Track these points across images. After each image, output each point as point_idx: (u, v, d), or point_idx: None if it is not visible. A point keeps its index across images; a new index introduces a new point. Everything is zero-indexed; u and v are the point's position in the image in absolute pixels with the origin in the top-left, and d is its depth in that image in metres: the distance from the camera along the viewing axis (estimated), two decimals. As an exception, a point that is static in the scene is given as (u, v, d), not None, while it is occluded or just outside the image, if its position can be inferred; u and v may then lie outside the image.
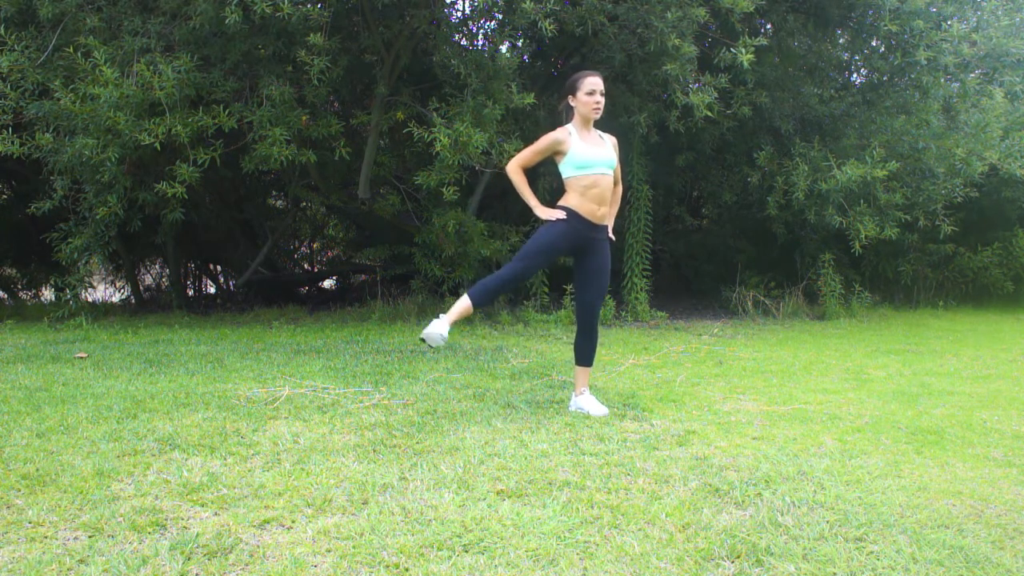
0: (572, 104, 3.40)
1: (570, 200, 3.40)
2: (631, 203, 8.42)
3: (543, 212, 3.40)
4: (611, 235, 3.54)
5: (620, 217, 9.10)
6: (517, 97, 6.44)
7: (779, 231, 9.05)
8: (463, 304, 3.33)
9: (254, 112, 6.42)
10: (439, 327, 3.24)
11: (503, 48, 7.26)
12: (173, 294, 9.47)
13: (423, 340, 3.25)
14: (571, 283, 7.52)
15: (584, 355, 3.57)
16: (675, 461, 2.73)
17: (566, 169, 3.38)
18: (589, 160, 3.34)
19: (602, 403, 3.58)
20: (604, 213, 3.44)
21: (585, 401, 3.53)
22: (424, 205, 7.66)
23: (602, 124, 3.56)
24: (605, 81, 3.46)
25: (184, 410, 3.42)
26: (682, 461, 2.74)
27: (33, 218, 7.03)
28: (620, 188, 3.64)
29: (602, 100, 3.35)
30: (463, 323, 7.17)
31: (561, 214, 3.37)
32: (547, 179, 8.28)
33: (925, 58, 7.28)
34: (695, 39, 6.67)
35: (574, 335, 3.63)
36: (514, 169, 3.43)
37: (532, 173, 8.41)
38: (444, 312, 3.34)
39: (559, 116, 3.57)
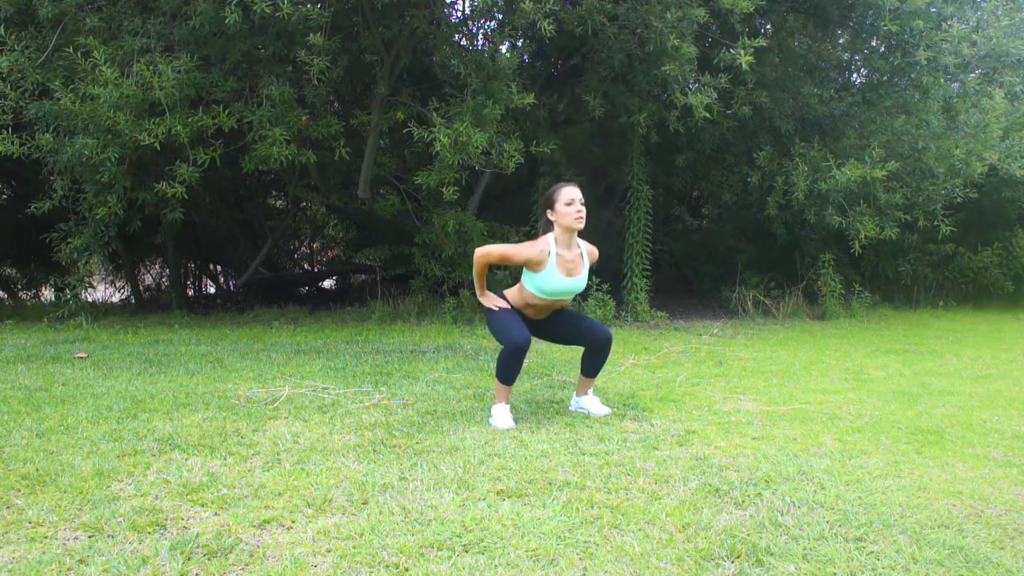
0: (552, 218, 3.24)
1: (514, 299, 3.36)
2: (631, 203, 8.43)
3: (485, 300, 3.36)
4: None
5: (620, 217, 9.13)
6: (517, 97, 6.44)
7: (779, 231, 9.05)
8: (498, 385, 3.33)
9: (254, 112, 6.42)
10: (498, 414, 3.26)
11: (503, 48, 7.27)
12: (173, 294, 9.48)
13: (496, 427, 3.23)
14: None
15: (591, 370, 3.52)
16: (675, 461, 2.73)
17: (527, 282, 3.28)
18: (555, 289, 3.24)
19: (603, 403, 3.58)
20: (547, 316, 3.42)
21: (587, 401, 3.53)
22: (424, 205, 7.67)
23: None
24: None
25: (184, 410, 3.42)
26: (682, 461, 2.74)
27: (33, 218, 7.03)
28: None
29: (583, 209, 3.19)
30: (463, 323, 7.18)
31: (501, 303, 3.33)
32: (546, 179, 8.28)
33: (925, 58, 7.28)
34: (695, 39, 6.67)
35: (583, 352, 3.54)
36: (480, 260, 3.27)
37: (531, 173, 8.44)
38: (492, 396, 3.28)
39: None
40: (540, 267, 3.20)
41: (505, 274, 7.50)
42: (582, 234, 3.34)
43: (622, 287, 8.33)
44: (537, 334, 3.48)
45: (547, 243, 3.22)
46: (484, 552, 1.95)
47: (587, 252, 3.35)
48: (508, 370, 3.26)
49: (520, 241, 7.90)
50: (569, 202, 3.18)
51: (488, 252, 3.26)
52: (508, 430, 3.15)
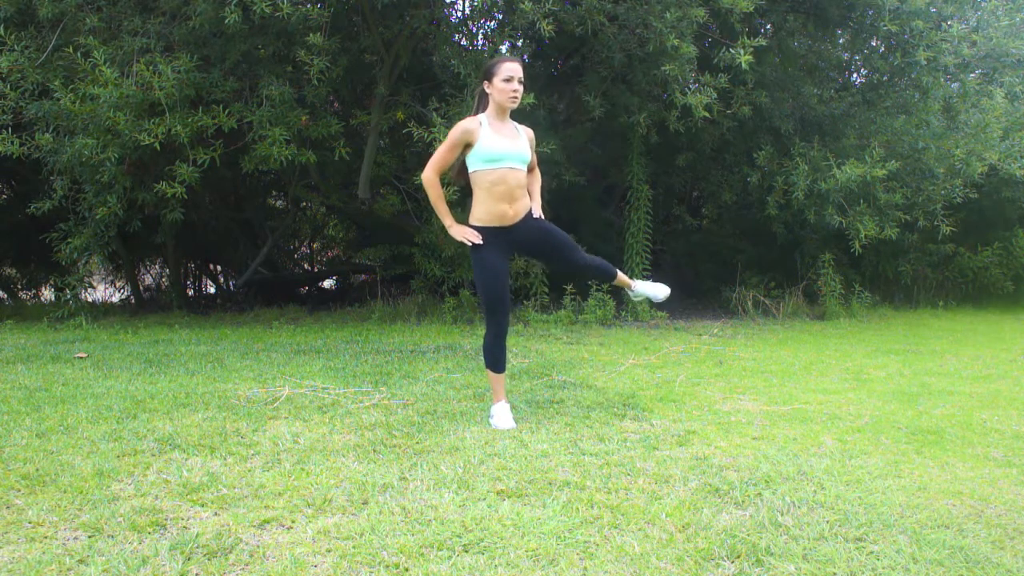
0: (488, 91, 3.14)
1: (477, 209, 3.22)
2: (631, 203, 8.43)
3: (455, 232, 3.25)
4: (537, 213, 3.34)
5: (620, 217, 9.13)
6: (517, 97, 6.43)
7: (779, 231, 9.05)
8: (490, 377, 3.33)
9: (254, 112, 6.42)
10: (499, 415, 3.25)
11: (503, 48, 7.27)
12: (173, 294, 9.48)
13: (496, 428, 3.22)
14: (570, 283, 7.56)
15: (607, 273, 3.49)
16: (675, 461, 2.73)
17: (472, 162, 3.15)
18: (497, 153, 3.11)
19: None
20: (515, 212, 3.22)
21: (643, 286, 3.56)
22: (424, 205, 7.66)
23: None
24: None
25: (184, 410, 3.42)
26: (682, 461, 2.74)
27: (33, 218, 7.03)
28: (537, 175, 3.46)
29: (520, 88, 3.11)
30: (463, 323, 7.18)
31: (474, 236, 3.20)
32: (546, 179, 8.27)
33: (925, 58, 7.27)
34: (695, 39, 6.67)
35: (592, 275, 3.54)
36: (430, 179, 3.19)
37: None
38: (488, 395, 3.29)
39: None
40: (475, 136, 3.11)
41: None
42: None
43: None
44: (520, 250, 3.41)
45: (477, 117, 3.16)
46: (484, 552, 1.95)
47: (523, 129, 3.28)
48: (495, 356, 3.28)
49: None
50: (507, 79, 3.10)
51: (431, 163, 3.18)
52: (508, 430, 3.16)
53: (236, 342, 5.84)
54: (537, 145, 7.20)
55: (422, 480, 2.48)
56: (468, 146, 3.16)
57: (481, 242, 3.21)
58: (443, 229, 6.99)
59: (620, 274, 3.55)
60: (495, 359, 3.31)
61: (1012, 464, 2.83)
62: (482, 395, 3.86)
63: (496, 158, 3.13)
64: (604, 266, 3.50)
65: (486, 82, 3.17)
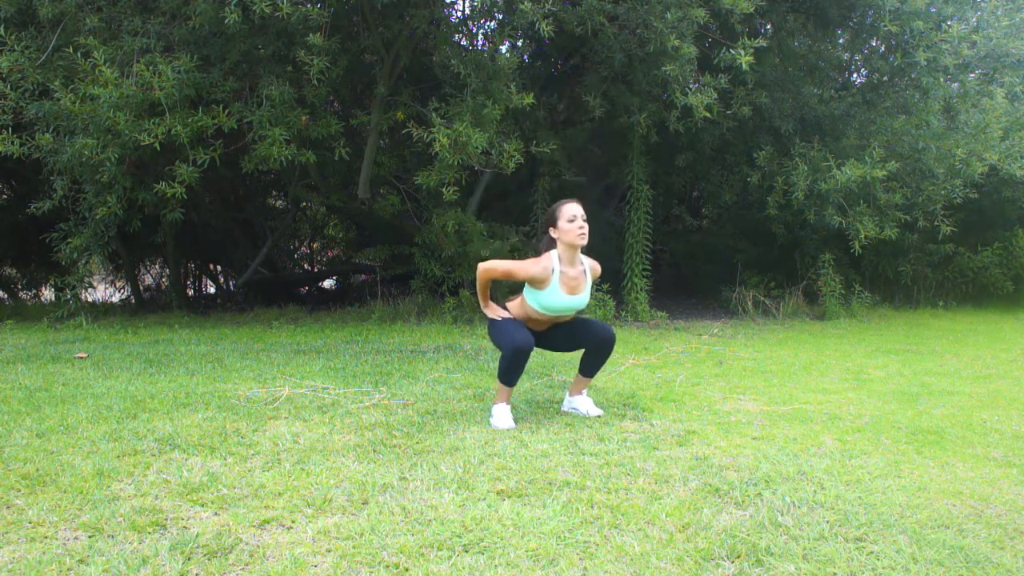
0: (554, 236, 3.23)
1: (516, 311, 3.36)
2: (631, 203, 8.43)
3: (489, 311, 3.35)
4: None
5: (620, 217, 9.13)
6: (517, 97, 6.44)
7: (779, 231, 9.05)
8: (499, 386, 3.32)
9: (254, 112, 6.41)
10: (499, 415, 3.25)
11: (503, 48, 7.27)
12: (173, 294, 9.48)
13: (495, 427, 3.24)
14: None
15: (590, 370, 3.50)
16: (675, 461, 2.73)
17: (530, 297, 3.26)
18: (557, 307, 3.24)
19: (597, 405, 3.57)
20: (548, 328, 3.40)
21: (580, 402, 3.52)
22: (424, 205, 7.66)
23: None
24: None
25: (184, 410, 3.42)
26: (682, 461, 2.74)
27: (33, 218, 7.03)
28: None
29: (586, 225, 3.19)
30: (463, 323, 7.18)
31: (505, 313, 3.34)
32: (546, 179, 8.28)
33: (925, 59, 7.28)
34: (695, 40, 6.67)
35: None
36: (483, 277, 3.29)
37: (531, 173, 8.43)
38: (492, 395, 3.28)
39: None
40: (543, 285, 3.20)
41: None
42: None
43: (622, 287, 8.33)
44: (539, 344, 3.47)
45: (551, 261, 3.21)
46: (484, 552, 1.95)
47: (590, 268, 3.34)
48: (510, 372, 3.25)
49: (519, 240, 7.91)
50: (571, 219, 3.18)
51: (491, 268, 3.27)
52: (508, 430, 3.15)
53: (236, 342, 5.84)
54: (537, 146, 7.21)
55: (422, 480, 2.48)
56: (532, 283, 3.24)
57: (510, 316, 3.36)
58: (443, 229, 7.05)
59: (588, 381, 3.54)
60: (507, 374, 3.27)
61: (1012, 464, 2.83)
62: (482, 395, 3.86)
63: (553, 310, 3.26)
64: (601, 364, 3.49)
65: (551, 228, 3.25)
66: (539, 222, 3.44)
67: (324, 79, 6.17)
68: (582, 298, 3.28)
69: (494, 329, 3.33)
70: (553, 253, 3.24)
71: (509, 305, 3.41)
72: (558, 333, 3.45)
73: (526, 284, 3.27)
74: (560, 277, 3.21)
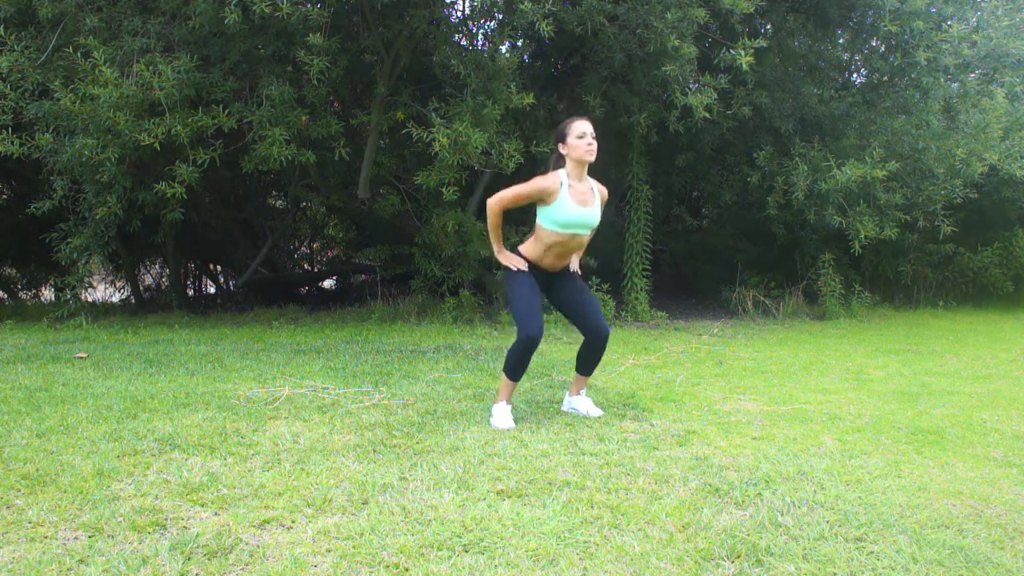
0: (563, 152, 3.27)
1: (530, 251, 3.34)
2: (631, 203, 8.43)
3: (503, 258, 3.36)
4: (574, 268, 3.51)
5: (620, 217, 9.13)
6: (516, 97, 6.44)
7: (779, 231, 9.05)
8: (503, 381, 3.33)
9: (254, 112, 6.41)
10: (499, 414, 3.25)
11: (503, 48, 7.26)
12: (173, 294, 9.47)
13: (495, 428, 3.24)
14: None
15: (587, 367, 3.50)
16: (675, 461, 2.73)
17: (543, 218, 3.27)
18: (570, 220, 3.24)
19: (597, 405, 3.57)
20: (563, 264, 3.40)
21: (580, 402, 3.52)
22: (424, 205, 7.66)
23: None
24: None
25: (184, 410, 3.42)
26: (682, 461, 2.74)
27: (33, 218, 7.03)
28: (590, 237, 3.56)
29: (594, 143, 3.23)
30: (463, 323, 7.18)
31: (520, 264, 3.33)
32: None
33: (925, 59, 7.27)
34: (695, 40, 6.67)
35: (580, 344, 3.55)
36: (494, 209, 3.28)
37: (531, 173, 8.42)
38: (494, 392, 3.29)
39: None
40: (553, 197, 3.22)
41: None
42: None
43: (622, 287, 8.33)
44: (548, 295, 3.47)
45: (559, 175, 3.26)
46: (484, 552, 1.95)
47: (598, 188, 3.38)
48: (518, 365, 3.27)
49: (520, 242, 7.90)
50: (581, 135, 3.22)
51: (501, 196, 3.28)
52: (508, 430, 3.15)
53: (236, 342, 5.84)
54: (537, 146, 7.21)
55: (422, 480, 2.48)
56: (542, 202, 3.26)
57: (526, 269, 3.34)
58: (443, 229, 7.05)
59: (587, 379, 3.55)
60: (516, 368, 3.29)
61: (1012, 464, 2.83)
62: (482, 395, 3.86)
63: (567, 224, 3.25)
64: (597, 360, 3.50)
65: (560, 144, 3.28)
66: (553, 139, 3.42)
67: (324, 79, 6.17)
68: (593, 211, 3.31)
69: (510, 295, 3.32)
70: (561, 170, 3.28)
71: (523, 248, 3.39)
72: (569, 289, 3.44)
73: (538, 210, 3.29)
74: (569, 190, 3.24)
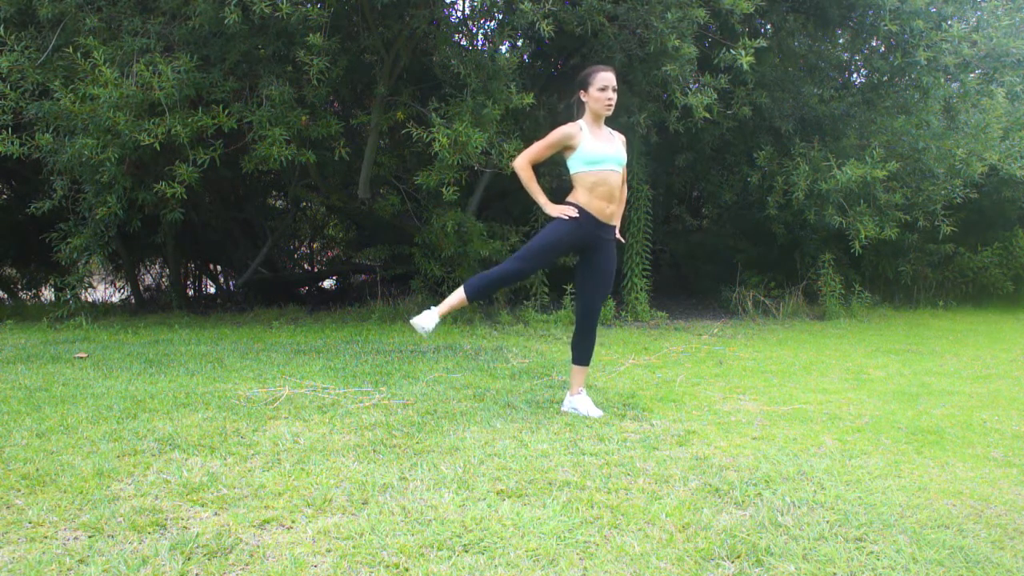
0: (584, 99, 3.33)
1: (579, 197, 3.33)
2: (631, 203, 8.42)
3: (553, 210, 3.33)
4: (620, 237, 3.51)
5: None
6: (516, 97, 6.43)
7: (779, 231, 9.05)
8: (457, 296, 3.31)
9: (254, 112, 6.41)
10: (427, 320, 3.27)
11: (503, 48, 7.26)
12: (173, 294, 9.47)
13: (411, 325, 3.29)
14: (571, 283, 7.56)
15: (582, 354, 3.53)
16: (675, 461, 2.73)
17: (575, 164, 3.31)
18: (600, 156, 3.28)
19: (597, 406, 3.57)
20: (612, 211, 3.37)
21: (580, 402, 3.52)
22: (424, 205, 7.66)
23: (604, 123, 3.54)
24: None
25: (184, 410, 3.42)
26: (682, 461, 2.74)
27: (33, 218, 7.02)
28: (626, 189, 3.58)
29: (614, 96, 3.28)
30: (463, 323, 7.17)
31: (573, 211, 3.30)
32: (547, 179, 8.28)
33: (925, 58, 7.27)
34: (695, 40, 6.67)
35: (572, 334, 3.59)
36: (523, 165, 3.36)
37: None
38: (437, 304, 3.34)
39: (569, 111, 3.46)
40: (576, 139, 3.28)
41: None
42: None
43: (622, 287, 8.33)
44: (586, 254, 3.43)
45: (577, 123, 3.33)
46: (484, 552, 1.95)
47: (616, 134, 3.44)
48: (485, 291, 3.34)
49: (520, 241, 7.90)
50: (603, 87, 3.28)
51: (526, 152, 3.37)
52: (425, 332, 3.21)
53: (236, 342, 5.84)
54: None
55: (422, 480, 2.48)
56: (568, 149, 3.31)
57: (578, 216, 3.32)
58: (443, 229, 7.05)
59: (585, 371, 3.56)
60: (481, 292, 3.33)
61: (1012, 464, 2.83)
62: (482, 395, 3.86)
63: (598, 160, 3.30)
64: (590, 347, 3.53)
65: (582, 91, 3.35)
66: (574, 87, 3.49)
67: (324, 79, 6.17)
68: (618, 148, 3.37)
69: (552, 227, 3.32)
70: (580, 120, 3.34)
71: (570, 198, 3.37)
72: (603, 256, 3.40)
73: (567, 161, 3.33)
74: (590, 133, 3.30)
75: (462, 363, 4.90)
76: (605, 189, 3.32)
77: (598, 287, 3.45)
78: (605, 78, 3.27)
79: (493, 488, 2.41)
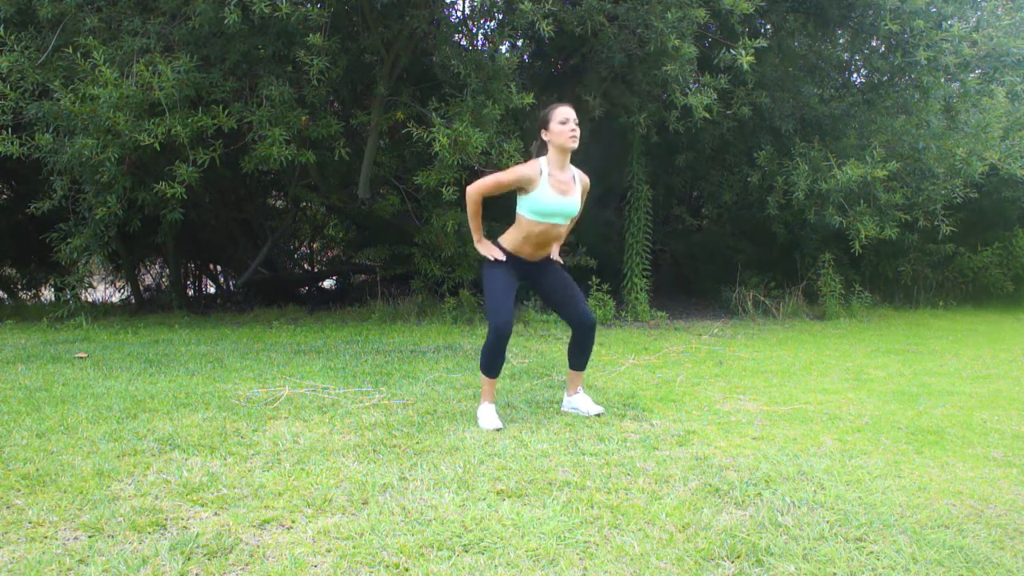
0: (546, 138, 3.23)
1: (511, 238, 3.33)
2: (631, 203, 8.43)
3: (482, 248, 3.34)
4: (557, 259, 3.49)
5: (620, 217, 9.12)
6: (516, 97, 6.44)
7: (779, 231, 9.05)
8: (483, 381, 3.32)
9: (254, 112, 6.41)
10: (485, 417, 3.23)
11: (503, 48, 7.27)
12: (173, 294, 9.47)
13: (483, 428, 3.21)
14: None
15: (579, 362, 3.50)
16: (675, 461, 2.73)
17: (522, 207, 3.25)
18: (549, 209, 3.21)
19: (597, 403, 3.57)
20: (543, 254, 3.38)
21: (580, 401, 3.52)
22: (424, 205, 7.66)
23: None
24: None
25: (184, 410, 3.42)
26: (682, 461, 2.74)
27: (33, 218, 7.03)
28: (571, 227, 3.49)
29: (577, 129, 3.19)
30: (463, 323, 7.18)
31: (498, 254, 3.31)
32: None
33: (925, 58, 7.27)
34: (695, 40, 6.67)
35: (569, 341, 3.56)
36: (473, 196, 3.25)
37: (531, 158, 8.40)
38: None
39: (528, 156, 3.45)
40: (533, 185, 3.19)
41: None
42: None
43: (622, 287, 8.33)
44: (532, 283, 3.46)
45: (539, 163, 3.24)
46: (484, 552, 1.95)
47: (579, 177, 3.35)
48: (492, 360, 3.26)
49: (501, 232, 7.90)
50: (563, 121, 3.19)
51: (481, 183, 3.25)
52: (501, 430, 3.15)
53: (236, 342, 5.84)
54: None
55: (422, 480, 2.48)
56: (522, 190, 3.24)
57: (504, 260, 3.32)
58: (443, 229, 7.05)
59: (583, 372, 3.54)
60: (489, 364, 3.28)
61: (1012, 464, 2.83)
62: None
63: (546, 213, 3.24)
64: (587, 354, 3.49)
65: (543, 130, 3.25)
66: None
67: (324, 79, 6.17)
68: (573, 200, 3.27)
69: (486, 286, 3.31)
70: (542, 158, 3.26)
71: (503, 238, 3.37)
72: (551, 279, 3.42)
73: (518, 198, 3.27)
74: (549, 179, 3.22)
75: (462, 363, 4.90)
76: (542, 240, 3.31)
77: (565, 297, 3.42)
78: (564, 112, 3.19)
79: (493, 488, 2.41)
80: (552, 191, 3.21)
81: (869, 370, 4.98)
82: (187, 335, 6.24)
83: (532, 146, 3.37)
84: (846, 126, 8.96)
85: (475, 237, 3.37)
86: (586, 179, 3.40)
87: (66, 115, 6.21)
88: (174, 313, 8.24)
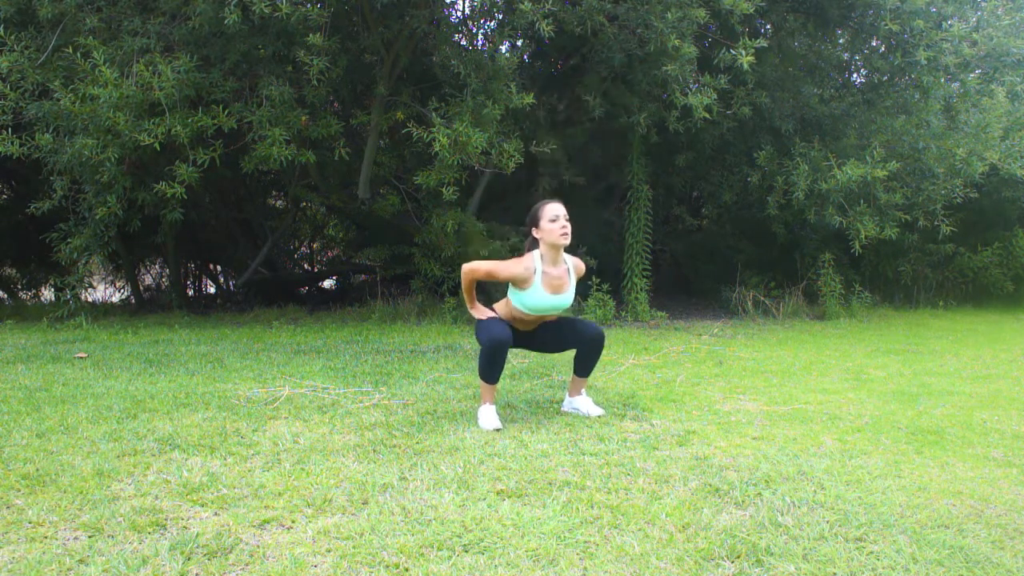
0: (537, 236, 3.23)
1: (503, 312, 3.36)
2: (631, 203, 8.43)
3: (476, 313, 3.33)
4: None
5: (620, 217, 9.13)
6: (516, 97, 6.44)
7: (779, 231, 9.05)
8: (482, 384, 3.31)
9: (254, 112, 6.42)
10: (485, 418, 3.22)
11: (503, 48, 7.27)
12: (173, 294, 9.47)
13: (483, 429, 3.21)
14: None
15: (584, 369, 3.48)
16: (675, 461, 2.73)
17: (515, 297, 3.26)
18: (541, 307, 3.23)
19: (597, 404, 3.57)
20: (535, 328, 3.41)
21: (581, 402, 3.52)
22: (424, 205, 7.66)
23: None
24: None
25: (184, 410, 3.42)
26: (682, 461, 2.74)
27: (33, 218, 7.03)
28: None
29: (568, 225, 3.17)
30: (463, 323, 7.18)
31: (492, 313, 3.34)
32: (546, 179, 8.28)
33: (925, 58, 7.27)
34: (695, 40, 6.67)
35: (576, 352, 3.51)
36: (467, 277, 3.28)
37: (531, 173, 8.43)
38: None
39: (522, 245, 3.38)
40: (526, 284, 3.20)
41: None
42: (570, 248, 3.34)
43: (622, 287, 8.33)
44: (527, 345, 3.48)
45: (532, 261, 3.21)
46: (484, 552, 1.95)
47: (574, 268, 3.34)
48: (490, 367, 3.23)
49: (520, 241, 7.91)
50: (553, 219, 3.17)
51: (474, 268, 3.27)
52: (501, 431, 3.14)
53: (236, 342, 5.84)
54: (537, 145, 7.21)
55: (422, 480, 2.48)
56: (514, 283, 3.24)
57: (497, 317, 3.34)
58: (443, 229, 7.06)
59: (585, 381, 3.53)
60: (487, 370, 3.25)
61: (1012, 464, 2.83)
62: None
63: (537, 309, 3.26)
64: (593, 363, 3.47)
65: (533, 228, 3.24)
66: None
67: (324, 79, 6.17)
68: (566, 297, 3.28)
69: (479, 328, 3.33)
70: (536, 253, 3.24)
71: (496, 306, 3.41)
72: (545, 334, 3.44)
73: (509, 285, 3.27)
74: (542, 277, 3.20)
75: (462, 363, 4.90)
76: (532, 321, 3.35)
77: (565, 334, 3.41)
78: (553, 209, 3.18)
79: (493, 488, 2.41)
80: (544, 291, 3.21)
81: (869, 370, 4.98)
82: (187, 335, 6.24)
83: (524, 242, 3.37)
84: (846, 126, 8.96)
85: (468, 305, 3.38)
86: (581, 265, 3.40)
87: (66, 115, 6.21)
88: (174, 313, 8.24)
